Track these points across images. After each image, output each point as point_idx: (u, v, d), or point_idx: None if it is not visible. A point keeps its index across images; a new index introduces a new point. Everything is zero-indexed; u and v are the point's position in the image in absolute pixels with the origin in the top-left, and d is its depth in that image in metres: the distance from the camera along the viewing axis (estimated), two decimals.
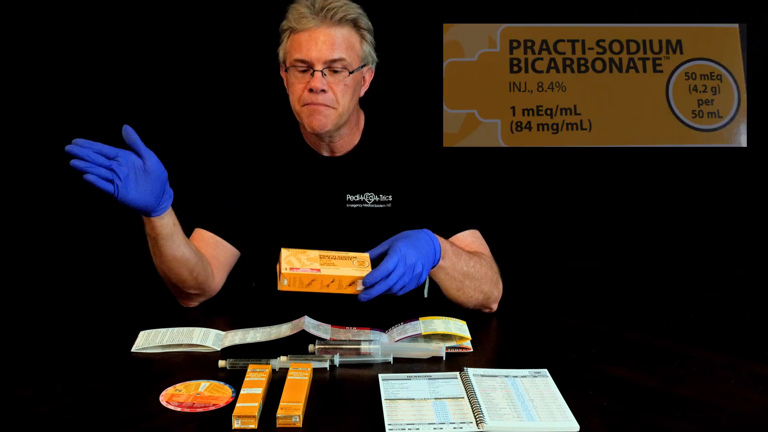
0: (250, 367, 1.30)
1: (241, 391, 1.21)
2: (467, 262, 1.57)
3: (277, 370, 1.32)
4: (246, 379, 1.25)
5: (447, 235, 1.65)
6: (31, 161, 2.32)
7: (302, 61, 1.59)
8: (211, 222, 1.69)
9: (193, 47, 2.30)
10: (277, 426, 1.15)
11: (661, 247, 2.35)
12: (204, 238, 1.68)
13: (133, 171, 1.39)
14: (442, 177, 1.72)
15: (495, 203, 2.35)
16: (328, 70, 1.58)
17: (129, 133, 1.39)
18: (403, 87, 2.25)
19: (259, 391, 1.21)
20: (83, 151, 1.34)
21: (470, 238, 1.68)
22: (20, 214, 2.33)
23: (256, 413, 1.16)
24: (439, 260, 1.50)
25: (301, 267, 1.38)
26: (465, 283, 1.57)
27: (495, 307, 1.64)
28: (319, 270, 1.39)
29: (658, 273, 2.30)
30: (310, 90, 1.58)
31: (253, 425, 1.15)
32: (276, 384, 1.26)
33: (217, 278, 1.67)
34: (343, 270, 1.40)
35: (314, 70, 1.58)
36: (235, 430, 1.15)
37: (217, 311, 1.65)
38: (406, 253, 1.41)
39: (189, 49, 2.30)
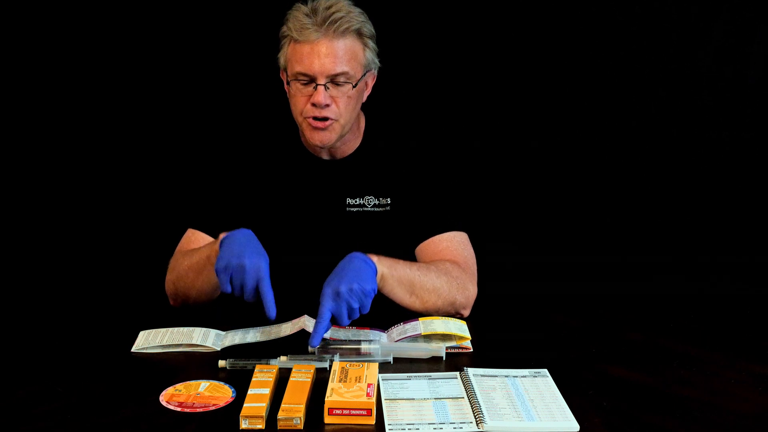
0: (258, 367, 1.30)
1: (249, 392, 1.21)
2: (411, 268, 1.53)
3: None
4: (253, 379, 1.25)
5: (425, 236, 1.65)
6: (31, 161, 2.33)
7: (304, 75, 1.56)
8: (207, 223, 1.68)
9: (192, 49, 2.30)
10: (279, 428, 1.15)
11: (660, 247, 2.35)
12: (198, 239, 1.68)
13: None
14: (434, 179, 1.71)
15: (493, 200, 2.36)
16: (331, 83, 1.56)
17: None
18: (404, 89, 2.25)
19: (267, 391, 1.21)
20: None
21: (445, 243, 1.65)
22: (20, 214, 2.33)
23: (264, 413, 1.16)
24: (376, 267, 1.46)
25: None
26: (414, 289, 1.53)
27: (466, 312, 1.60)
28: None
29: (658, 272, 2.30)
30: (313, 104, 1.57)
31: (261, 425, 1.15)
32: (280, 384, 1.26)
33: None
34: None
35: (317, 84, 1.56)
36: (242, 430, 1.15)
37: (217, 311, 1.64)
38: (331, 291, 1.38)
39: (187, 51, 2.30)
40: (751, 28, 2.22)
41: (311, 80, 1.56)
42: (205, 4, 2.28)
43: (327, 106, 1.56)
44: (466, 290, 1.59)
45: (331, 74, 1.55)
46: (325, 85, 1.55)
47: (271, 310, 1.38)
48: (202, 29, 2.29)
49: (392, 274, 1.50)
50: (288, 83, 1.62)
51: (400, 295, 1.53)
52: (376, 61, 1.66)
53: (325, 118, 1.58)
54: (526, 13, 2.29)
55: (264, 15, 1.86)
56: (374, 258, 1.47)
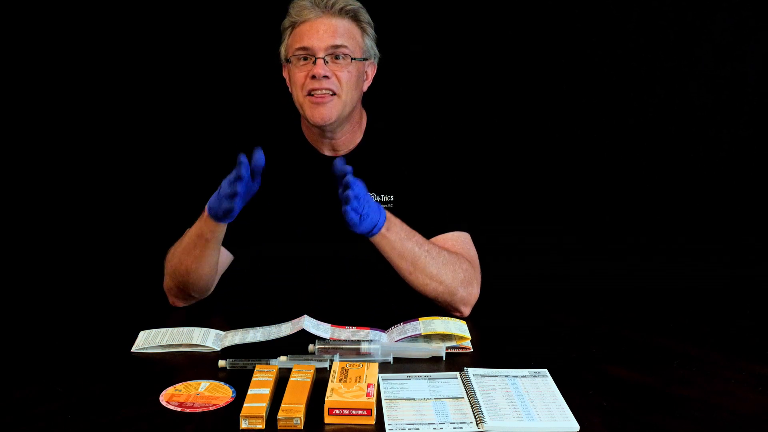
0: (258, 368, 1.30)
1: (249, 392, 1.21)
2: (420, 245, 1.56)
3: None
4: (253, 379, 1.25)
5: (428, 235, 1.65)
6: (31, 161, 2.32)
7: (304, 49, 1.60)
8: None
9: (194, 46, 2.30)
10: (279, 427, 1.15)
11: (660, 246, 2.35)
12: None
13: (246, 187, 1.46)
14: (438, 178, 1.71)
15: (492, 199, 2.36)
16: (330, 57, 1.60)
17: (259, 159, 1.44)
18: (407, 87, 2.25)
19: (267, 391, 1.21)
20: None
21: (450, 242, 1.65)
22: (20, 214, 2.33)
23: (264, 413, 1.16)
24: (382, 227, 1.50)
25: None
26: (417, 265, 1.55)
27: (466, 311, 1.60)
28: None
29: (658, 272, 2.30)
30: (313, 77, 1.59)
31: (261, 425, 1.15)
32: (280, 384, 1.26)
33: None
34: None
35: (316, 58, 1.59)
36: (242, 430, 1.15)
37: (216, 311, 1.65)
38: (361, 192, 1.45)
39: (189, 49, 2.30)
40: (749, 27, 2.22)
41: (310, 55, 1.60)
42: (208, 4, 2.28)
43: (326, 78, 1.59)
44: (470, 286, 1.60)
45: (329, 46, 1.59)
46: (324, 58, 1.59)
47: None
48: (204, 28, 2.29)
49: (393, 246, 1.54)
50: (288, 61, 1.64)
51: (397, 264, 1.55)
52: (376, 50, 1.70)
53: (325, 92, 1.60)
54: (527, 12, 2.29)
55: (265, 14, 1.86)
56: (390, 222, 1.52)
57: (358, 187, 1.43)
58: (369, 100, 1.74)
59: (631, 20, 2.27)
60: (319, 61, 1.59)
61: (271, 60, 1.72)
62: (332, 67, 1.60)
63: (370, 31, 1.67)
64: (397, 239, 1.54)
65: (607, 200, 2.37)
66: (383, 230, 1.51)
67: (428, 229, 1.66)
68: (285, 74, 1.68)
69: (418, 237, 1.57)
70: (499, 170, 2.39)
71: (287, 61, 1.65)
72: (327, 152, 1.71)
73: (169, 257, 1.65)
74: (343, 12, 1.62)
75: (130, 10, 2.27)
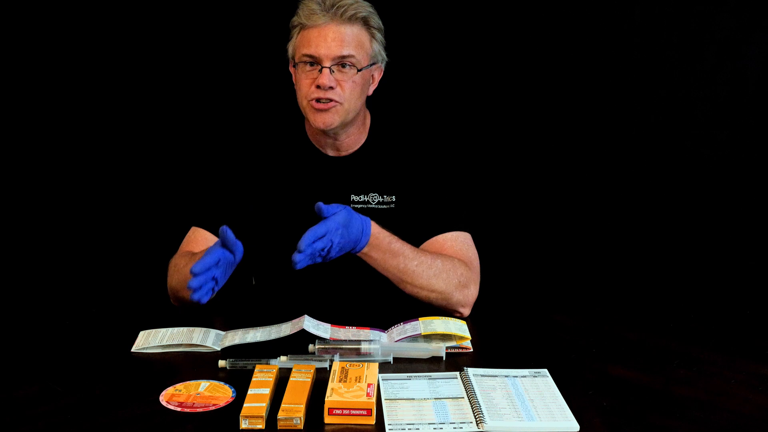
0: (258, 367, 1.30)
1: (249, 391, 1.21)
2: (409, 260, 1.55)
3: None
4: (253, 379, 1.25)
5: (428, 236, 1.65)
6: (31, 161, 2.33)
7: (310, 56, 1.59)
8: (210, 221, 1.68)
9: (197, 44, 2.30)
10: (279, 427, 1.15)
11: (660, 247, 2.35)
12: (201, 237, 1.68)
13: (226, 266, 1.44)
14: (439, 178, 1.71)
15: (493, 199, 2.36)
16: (337, 66, 1.59)
17: (226, 233, 1.39)
18: (411, 87, 2.25)
19: (267, 391, 1.21)
20: (200, 281, 1.37)
21: (450, 243, 1.65)
22: (20, 214, 2.33)
23: (264, 413, 1.16)
24: (363, 246, 1.51)
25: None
26: (404, 278, 1.56)
27: (465, 311, 1.61)
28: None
29: (658, 272, 2.30)
30: (318, 87, 1.58)
31: (261, 425, 1.15)
32: (280, 384, 1.26)
33: None
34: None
35: (322, 67, 1.58)
36: (242, 430, 1.15)
37: (217, 311, 1.65)
38: (333, 226, 1.43)
39: (193, 47, 2.30)
40: (750, 28, 2.22)
41: (317, 63, 1.59)
42: (212, 2, 2.28)
43: (331, 88, 1.58)
44: (466, 288, 1.60)
45: (336, 56, 1.58)
46: (330, 68, 1.58)
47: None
48: (207, 26, 2.29)
49: (377, 263, 1.54)
50: (295, 65, 1.64)
51: (387, 276, 1.56)
52: (383, 54, 1.68)
53: (329, 100, 1.59)
54: (529, 14, 2.30)
55: (269, 13, 1.87)
56: (377, 239, 1.52)
57: (327, 230, 1.41)
58: (373, 101, 1.73)
59: (632, 20, 2.27)
60: (325, 71, 1.58)
61: (276, 59, 1.72)
62: (338, 76, 1.59)
63: (379, 36, 1.66)
64: (380, 258, 1.54)
65: (608, 201, 2.37)
66: (364, 250, 1.52)
67: (429, 230, 1.66)
68: (291, 70, 1.68)
69: (407, 251, 1.56)
70: (500, 170, 2.39)
71: (294, 65, 1.65)
72: (330, 152, 1.71)
73: (175, 270, 1.64)
74: (353, 18, 1.60)
75: (133, 9, 2.28)
